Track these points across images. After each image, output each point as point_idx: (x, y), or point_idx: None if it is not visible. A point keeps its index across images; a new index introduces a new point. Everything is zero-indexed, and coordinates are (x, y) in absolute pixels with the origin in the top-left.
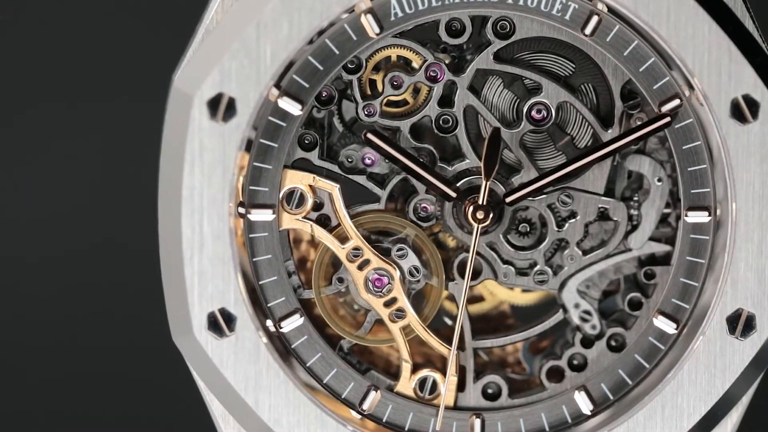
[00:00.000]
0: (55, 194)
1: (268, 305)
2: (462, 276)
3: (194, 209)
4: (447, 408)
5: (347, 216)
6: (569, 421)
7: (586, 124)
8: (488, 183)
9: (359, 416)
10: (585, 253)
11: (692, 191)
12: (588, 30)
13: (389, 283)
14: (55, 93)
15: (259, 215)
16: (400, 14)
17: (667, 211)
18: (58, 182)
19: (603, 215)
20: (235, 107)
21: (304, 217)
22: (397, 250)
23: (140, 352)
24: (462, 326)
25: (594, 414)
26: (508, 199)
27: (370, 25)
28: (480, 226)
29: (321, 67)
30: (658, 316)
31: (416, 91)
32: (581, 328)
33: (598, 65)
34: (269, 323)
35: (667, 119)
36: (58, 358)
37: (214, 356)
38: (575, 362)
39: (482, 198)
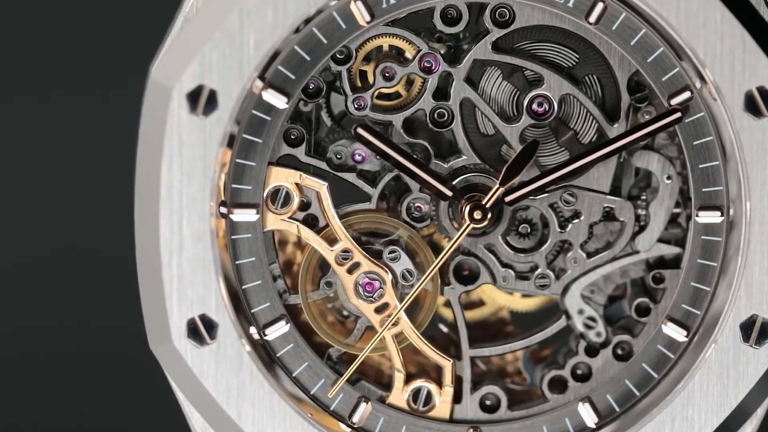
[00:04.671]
0: (25, 195)
1: (252, 311)
2: (459, 281)
3: (173, 209)
4: (443, 421)
5: (336, 216)
6: None
7: (591, 118)
8: (500, 189)
9: (349, 429)
10: (589, 255)
11: (704, 190)
12: (592, 18)
13: (381, 287)
14: (24, 86)
15: (242, 215)
16: (392, 1)
17: (676, 210)
18: (27, 182)
19: (608, 215)
20: (216, 100)
21: (290, 218)
22: (389, 253)
23: (116, 361)
24: (459, 334)
25: (599, 427)
26: (508, 199)
27: (360, 12)
28: (472, 226)
29: (308, 58)
30: (667, 322)
31: (409, 83)
32: (585, 335)
33: (604, 55)
34: (253, 330)
35: (678, 114)
36: (30, 369)
37: (194, 365)
38: (579, 372)
39: (488, 200)
